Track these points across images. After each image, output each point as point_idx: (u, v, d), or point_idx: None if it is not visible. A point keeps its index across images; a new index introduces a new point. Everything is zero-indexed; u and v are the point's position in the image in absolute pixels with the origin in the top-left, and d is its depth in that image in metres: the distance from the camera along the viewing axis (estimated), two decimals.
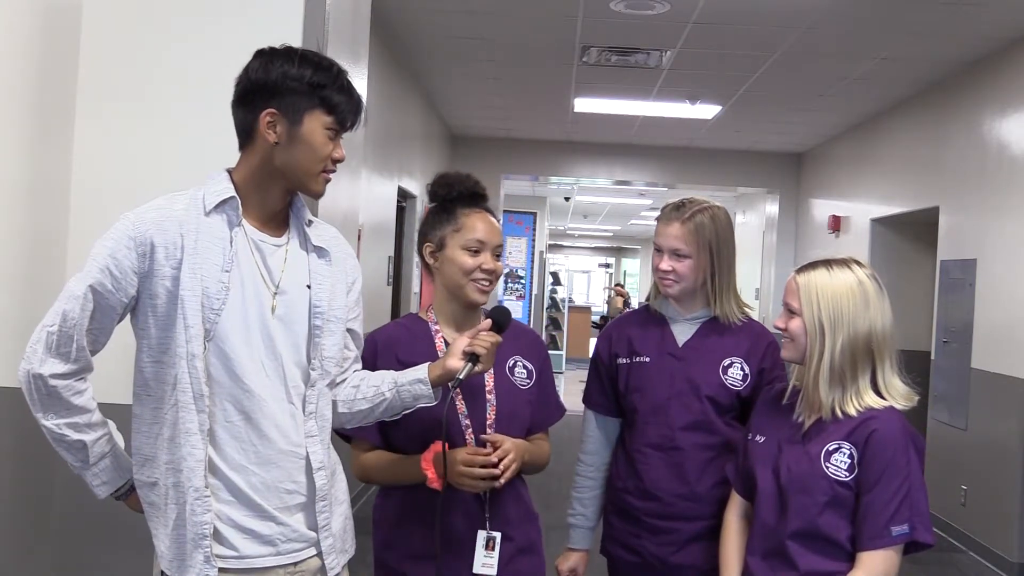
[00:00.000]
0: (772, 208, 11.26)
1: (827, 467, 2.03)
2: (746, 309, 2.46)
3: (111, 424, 1.91)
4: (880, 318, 2.06)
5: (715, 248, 2.37)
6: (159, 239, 1.79)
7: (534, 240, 15.60)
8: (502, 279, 14.22)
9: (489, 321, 2.09)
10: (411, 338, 2.27)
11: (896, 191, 7.88)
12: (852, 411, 2.05)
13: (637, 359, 2.44)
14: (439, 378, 2.00)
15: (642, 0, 5.54)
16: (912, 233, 8.05)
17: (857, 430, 2.03)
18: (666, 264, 2.37)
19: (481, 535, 2.19)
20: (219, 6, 2.62)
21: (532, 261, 15.49)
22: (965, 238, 6.51)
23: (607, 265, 30.24)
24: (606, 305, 24.40)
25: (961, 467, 6.31)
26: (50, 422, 1.81)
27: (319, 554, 1.91)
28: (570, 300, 20.01)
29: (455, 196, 2.26)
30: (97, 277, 1.78)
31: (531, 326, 15.00)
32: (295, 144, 1.84)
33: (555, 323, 17.69)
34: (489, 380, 2.22)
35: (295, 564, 1.88)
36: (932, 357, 6.89)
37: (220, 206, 1.84)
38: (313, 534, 1.90)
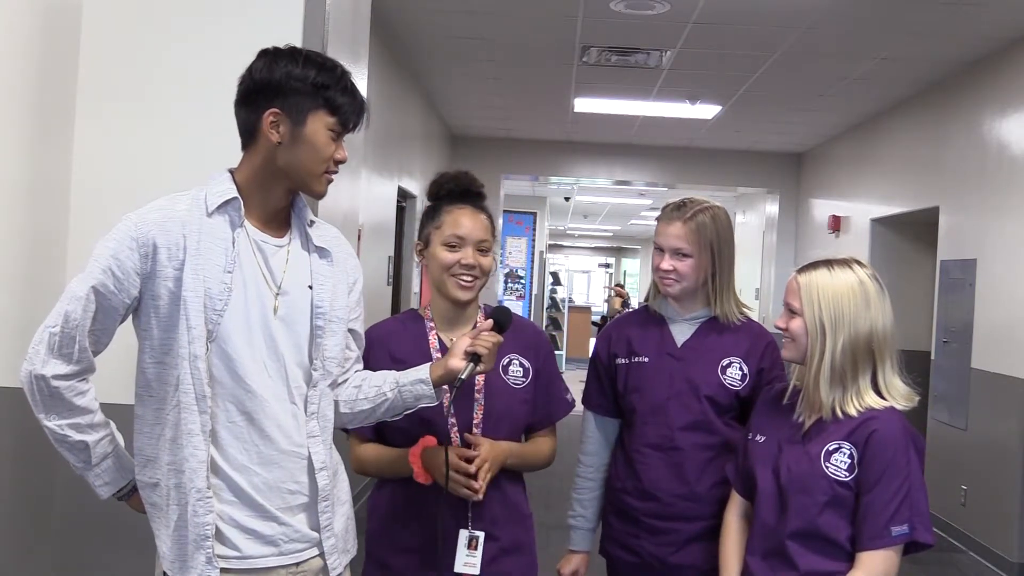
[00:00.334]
0: (772, 208, 11.26)
1: (827, 467, 2.03)
2: (744, 309, 2.47)
3: (112, 425, 1.91)
4: (881, 318, 2.06)
5: (716, 248, 2.38)
6: (162, 240, 1.79)
7: (534, 240, 15.60)
8: (502, 279, 14.28)
9: (491, 321, 2.08)
10: (405, 334, 2.28)
11: (896, 191, 7.88)
12: (852, 411, 2.05)
13: (636, 359, 2.44)
14: (440, 378, 2.00)
15: (642, 0, 5.54)
16: (912, 233, 8.05)
17: (857, 430, 2.03)
18: (667, 264, 2.37)
19: (463, 534, 2.19)
20: (219, 6, 2.62)
21: (532, 261, 15.49)
22: (965, 238, 6.51)
23: (607, 265, 30.23)
24: (606, 304, 24.40)
25: (961, 467, 6.31)
26: (52, 423, 1.81)
27: (321, 554, 1.91)
28: (570, 300, 20.01)
29: (443, 194, 2.27)
30: (99, 278, 1.78)
31: None
32: (298, 144, 1.84)
33: (555, 323, 17.69)
34: (479, 379, 2.21)
35: (297, 564, 1.89)
36: (932, 357, 6.89)
37: (223, 207, 1.84)
38: (315, 534, 1.90)
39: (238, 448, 1.83)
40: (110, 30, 2.62)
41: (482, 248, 2.23)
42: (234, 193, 1.85)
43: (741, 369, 2.38)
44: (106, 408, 1.89)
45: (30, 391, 1.79)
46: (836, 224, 9.27)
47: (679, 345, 2.42)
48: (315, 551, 1.91)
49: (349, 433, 2.25)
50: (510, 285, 15.20)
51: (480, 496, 2.12)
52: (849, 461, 2.02)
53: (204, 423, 1.79)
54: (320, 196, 1.94)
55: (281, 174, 1.87)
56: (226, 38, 2.56)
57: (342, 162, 1.91)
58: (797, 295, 2.11)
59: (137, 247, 1.79)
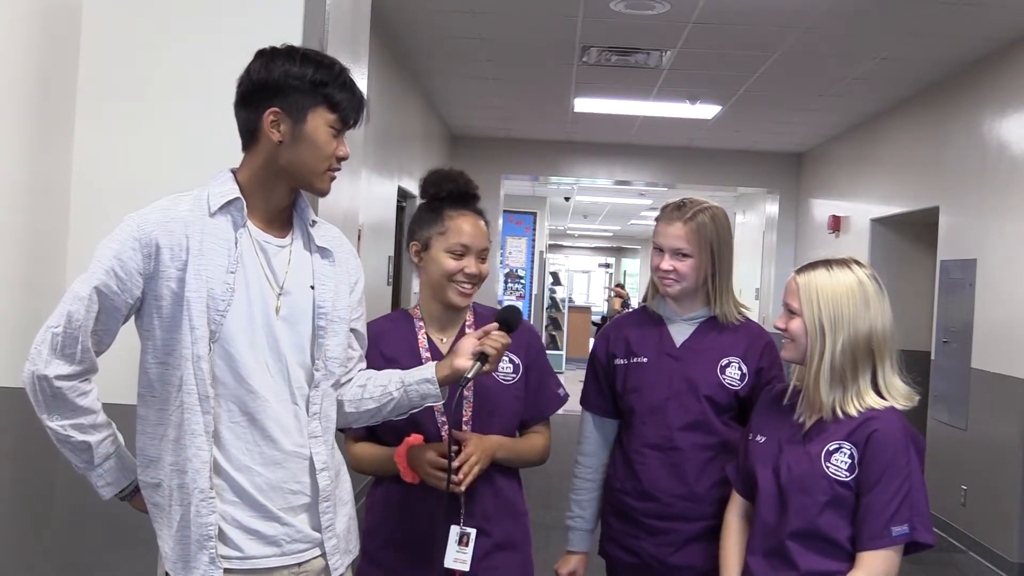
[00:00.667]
0: (772, 208, 11.26)
1: (827, 467, 2.03)
2: (743, 309, 2.47)
3: (113, 425, 1.91)
4: (880, 318, 2.06)
5: (716, 248, 2.38)
6: (164, 240, 1.79)
7: (534, 240, 15.60)
8: (502, 279, 14.29)
9: (496, 324, 2.09)
10: (396, 333, 2.29)
11: (896, 191, 7.88)
12: (853, 411, 2.05)
13: (635, 359, 2.44)
14: (446, 378, 2.02)
15: (642, 0, 5.54)
16: (912, 233, 8.05)
17: (857, 430, 2.03)
18: (667, 264, 2.37)
19: (454, 530, 2.19)
20: (219, 6, 2.62)
21: (532, 261, 15.50)
22: (965, 238, 6.51)
23: (607, 265, 30.23)
24: (606, 304, 24.40)
25: (961, 467, 6.31)
26: (55, 423, 1.81)
27: (323, 555, 1.91)
28: (570, 300, 20.01)
29: (444, 195, 2.26)
30: (102, 278, 1.78)
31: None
32: (299, 143, 1.84)
33: (555, 323, 17.69)
34: None
35: (299, 565, 1.89)
36: (932, 357, 6.89)
37: (225, 207, 1.84)
38: (317, 535, 1.90)
39: (240, 448, 1.83)
40: (110, 30, 2.62)
41: (482, 256, 2.27)
42: (236, 194, 1.85)
43: (740, 369, 2.38)
44: (109, 408, 1.89)
45: (32, 391, 1.79)
46: (836, 224, 9.27)
47: (678, 345, 2.42)
48: (317, 551, 1.91)
49: (345, 432, 2.26)
50: (510, 285, 15.20)
51: (462, 488, 2.12)
52: (849, 461, 2.02)
53: (207, 423, 1.79)
54: (323, 194, 1.94)
55: (283, 173, 1.87)
56: (226, 38, 2.56)
57: (344, 158, 1.91)
58: (796, 296, 2.11)
59: (140, 247, 1.79)
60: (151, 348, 1.83)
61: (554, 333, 17.39)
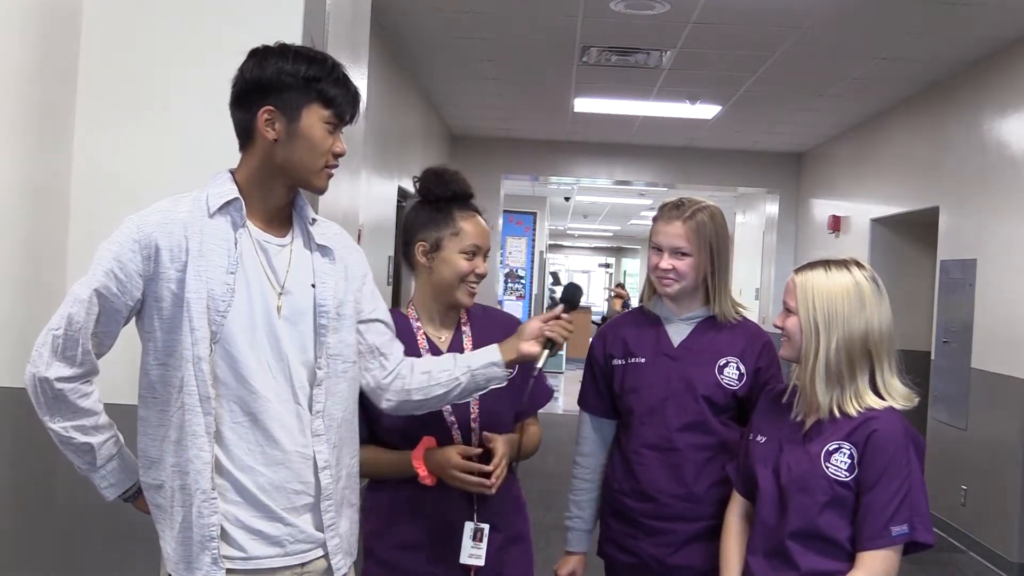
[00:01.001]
0: (772, 208, 11.26)
1: (827, 467, 2.03)
2: (740, 309, 2.47)
3: (115, 426, 1.91)
4: (877, 319, 2.06)
5: (715, 247, 2.38)
6: (164, 242, 1.79)
7: (534, 240, 15.60)
8: (502, 279, 14.29)
9: (561, 307, 2.13)
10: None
11: (896, 191, 7.88)
12: (851, 411, 2.05)
13: (632, 360, 2.43)
14: (511, 361, 2.06)
15: (642, 0, 5.54)
16: (912, 233, 8.05)
17: (857, 430, 2.03)
18: (666, 262, 2.37)
19: (468, 526, 2.21)
20: (219, 6, 2.62)
21: (532, 261, 15.50)
22: (965, 238, 6.51)
23: (607, 265, 30.22)
24: (606, 304, 24.40)
25: (961, 467, 6.31)
26: (57, 425, 1.81)
27: (326, 555, 1.91)
28: None
29: (449, 196, 2.27)
30: (102, 281, 1.78)
31: None
32: (294, 140, 1.84)
33: None
34: None
35: (302, 565, 1.88)
36: (932, 357, 6.89)
37: (224, 208, 1.84)
38: (320, 535, 1.90)
39: (243, 449, 1.83)
40: (110, 30, 2.62)
41: (486, 255, 2.31)
42: (235, 194, 1.85)
43: (738, 369, 2.38)
44: (111, 408, 1.89)
45: (34, 393, 1.80)
46: (836, 224, 9.27)
47: (675, 345, 2.42)
48: (320, 551, 1.91)
49: None
50: (510, 285, 15.21)
51: (493, 491, 2.16)
52: (849, 461, 2.02)
53: (208, 424, 1.79)
54: (321, 191, 1.93)
55: (280, 172, 1.87)
56: (226, 38, 2.56)
57: (340, 155, 1.90)
58: (793, 294, 2.12)
59: (139, 249, 1.79)
60: (152, 349, 1.83)
61: None
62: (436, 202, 2.28)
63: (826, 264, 2.11)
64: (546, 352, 2.07)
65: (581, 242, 28.50)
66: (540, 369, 2.06)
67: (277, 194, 1.89)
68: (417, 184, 2.32)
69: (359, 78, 3.14)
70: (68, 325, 1.77)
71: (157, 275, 1.79)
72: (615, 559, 2.46)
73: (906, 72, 6.87)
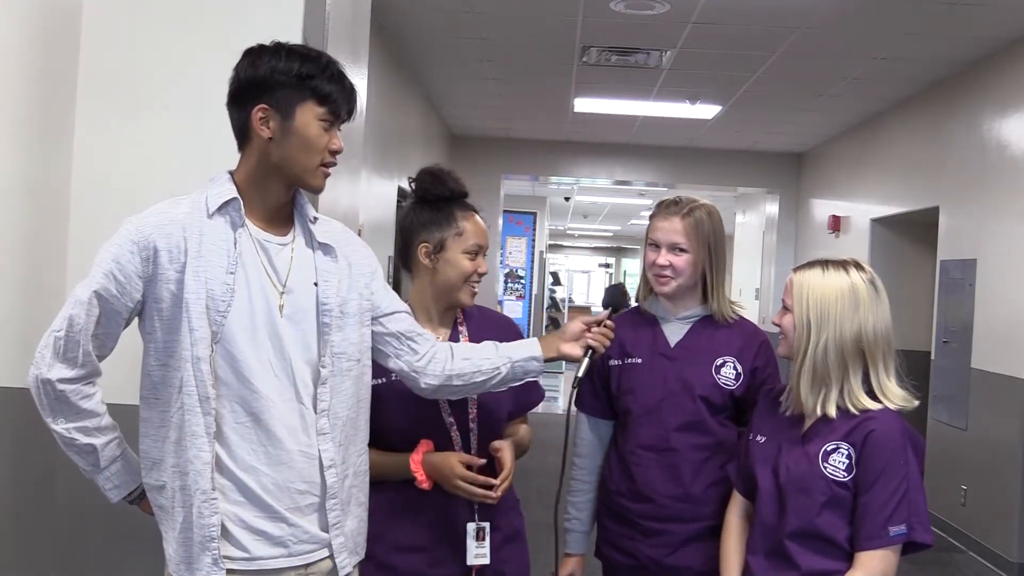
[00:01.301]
0: (772, 208, 11.26)
1: (825, 467, 2.03)
2: (736, 308, 2.47)
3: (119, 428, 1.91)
4: (872, 321, 2.06)
5: (712, 244, 2.38)
6: (162, 243, 1.80)
7: (534, 240, 15.60)
8: (502, 279, 14.29)
9: (606, 313, 2.20)
10: None
11: (896, 191, 7.88)
12: (832, 411, 2.05)
13: (629, 360, 2.43)
14: (550, 359, 2.12)
15: (642, 0, 5.54)
16: (912, 233, 8.05)
17: (855, 430, 2.03)
18: (664, 258, 2.37)
19: (471, 527, 2.22)
20: (219, 7, 2.62)
21: (532, 261, 15.50)
22: (965, 238, 6.51)
23: (607, 265, 30.22)
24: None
25: (961, 467, 6.31)
26: (60, 426, 1.82)
27: (331, 555, 1.91)
28: (570, 300, 20.01)
29: (448, 195, 2.28)
30: (102, 282, 1.79)
31: (530, 326, 15.04)
32: (289, 138, 1.83)
33: (555, 323, 17.69)
34: None
35: (307, 566, 1.88)
36: (932, 357, 6.89)
37: (223, 208, 1.84)
38: (325, 535, 1.90)
39: (246, 449, 1.83)
40: (110, 31, 2.62)
41: (486, 254, 2.33)
42: (233, 194, 1.85)
43: (735, 368, 2.37)
44: (114, 409, 1.89)
45: (37, 395, 1.80)
46: (836, 224, 9.27)
47: (672, 345, 2.42)
48: (326, 552, 1.90)
49: None
50: (510, 285, 15.20)
51: (495, 501, 2.18)
52: (847, 461, 2.02)
53: (208, 424, 1.79)
54: (317, 191, 1.93)
55: (277, 170, 1.86)
56: (226, 38, 2.55)
57: (338, 152, 1.89)
58: (790, 292, 2.13)
59: (138, 250, 1.79)
60: (153, 350, 1.83)
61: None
62: (435, 202, 2.28)
63: (824, 264, 2.12)
64: (587, 360, 2.14)
65: (581, 242, 28.50)
66: (581, 379, 2.13)
67: (276, 193, 1.89)
68: (413, 185, 2.32)
69: (359, 78, 3.14)
70: (69, 327, 1.78)
71: (156, 276, 1.79)
72: (612, 560, 2.45)
73: (906, 72, 6.87)
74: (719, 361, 2.38)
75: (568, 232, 24.78)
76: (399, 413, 2.18)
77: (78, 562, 2.58)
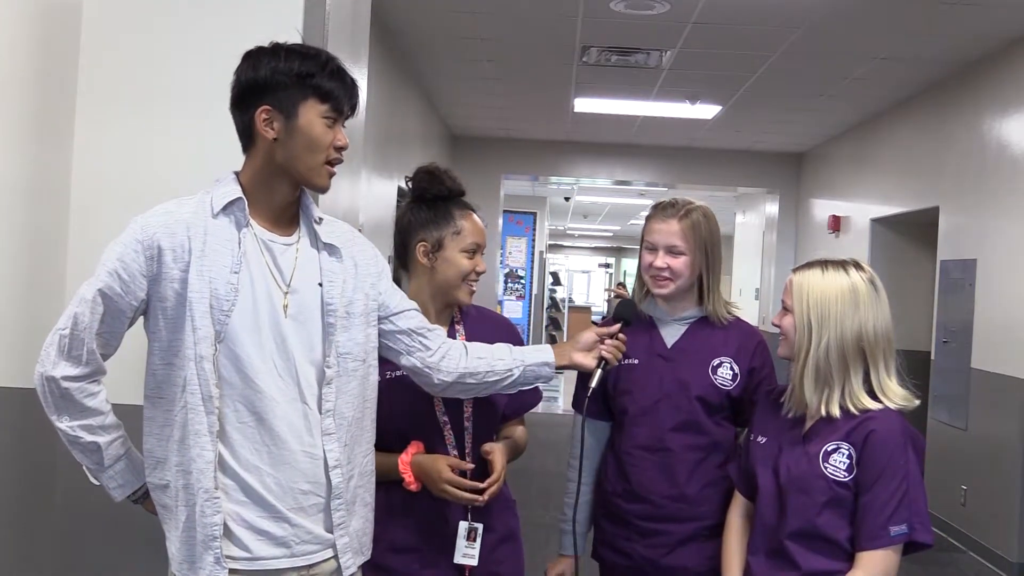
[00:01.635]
0: (772, 208, 11.26)
1: (825, 467, 2.03)
2: (732, 309, 2.47)
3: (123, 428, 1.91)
4: (872, 321, 2.06)
5: (708, 246, 2.39)
6: (166, 242, 1.80)
7: (534, 240, 15.61)
8: (502, 279, 14.30)
9: (618, 325, 2.22)
10: None
11: (896, 191, 7.88)
12: (838, 411, 2.05)
13: (626, 361, 2.42)
14: (563, 367, 2.14)
15: (642, 0, 5.54)
16: (912, 233, 8.05)
17: (855, 430, 2.03)
18: (661, 261, 2.37)
19: (462, 526, 2.22)
20: (219, 6, 2.62)
21: (532, 261, 15.50)
22: (965, 238, 6.51)
23: (607, 265, 30.23)
24: (606, 304, 24.40)
25: (961, 467, 6.31)
26: (64, 424, 1.82)
27: (335, 556, 1.91)
28: (570, 300, 20.01)
29: (445, 194, 2.28)
30: (106, 281, 1.79)
31: (531, 326, 15.05)
32: (294, 137, 1.84)
33: (555, 323, 17.70)
34: None
35: (309, 567, 1.88)
36: (932, 357, 6.89)
37: (227, 208, 1.85)
38: (329, 536, 1.89)
39: (249, 448, 1.83)
40: (110, 30, 2.62)
41: (483, 252, 2.34)
42: (238, 194, 1.86)
43: (732, 369, 2.38)
44: (118, 409, 1.90)
45: (42, 392, 1.81)
46: (836, 224, 9.27)
47: (669, 346, 2.42)
48: (329, 552, 1.90)
49: None
50: (510, 285, 15.21)
51: (483, 503, 2.18)
52: (848, 461, 2.02)
53: (211, 424, 1.79)
54: (323, 190, 1.93)
55: (282, 171, 1.87)
56: (226, 38, 2.55)
57: (343, 147, 1.90)
58: (790, 293, 2.13)
59: (142, 250, 1.80)
60: (157, 349, 1.83)
61: (554, 333, 17.39)
62: (432, 201, 2.28)
63: (824, 264, 2.12)
64: (599, 372, 2.16)
65: (581, 242, 28.51)
66: (593, 389, 2.15)
67: (281, 193, 1.90)
68: (410, 184, 2.32)
69: (359, 78, 3.13)
70: (74, 325, 1.79)
71: (160, 275, 1.80)
72: (609, 561, 2.45)
73: (906, 72, 6.87)
74: (716, 362, 2.38)
75: (568, 232, 24.78)
76: (394, 412, 2.18)
77: (78, 562, 2.58)
